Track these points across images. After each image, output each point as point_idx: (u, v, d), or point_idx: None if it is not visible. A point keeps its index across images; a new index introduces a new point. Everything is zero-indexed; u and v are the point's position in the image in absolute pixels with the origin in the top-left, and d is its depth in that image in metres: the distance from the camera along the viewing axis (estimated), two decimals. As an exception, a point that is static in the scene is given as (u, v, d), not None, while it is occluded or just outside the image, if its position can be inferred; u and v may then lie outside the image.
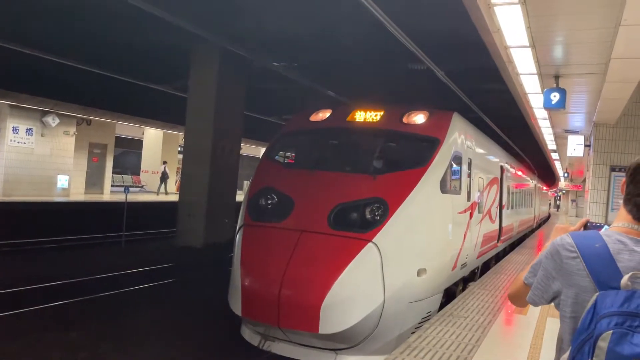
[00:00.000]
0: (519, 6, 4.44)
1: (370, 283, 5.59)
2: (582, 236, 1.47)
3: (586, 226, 1.62)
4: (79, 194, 21.24)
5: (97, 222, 17.12)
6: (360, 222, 5.95)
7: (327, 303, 5.39)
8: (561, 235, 1.62)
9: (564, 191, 51.05)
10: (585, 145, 11.57)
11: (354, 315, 5.47)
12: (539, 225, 26.96)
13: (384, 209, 5.94)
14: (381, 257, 5.65)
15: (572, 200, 44.99)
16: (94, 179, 22.92)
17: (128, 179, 29.08)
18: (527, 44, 5.54)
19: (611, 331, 1.24)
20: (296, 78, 15.64)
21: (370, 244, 5.66)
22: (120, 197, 19.19)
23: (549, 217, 38.70)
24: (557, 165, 26.69)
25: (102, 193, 23.15)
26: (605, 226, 1.55)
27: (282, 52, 14.57)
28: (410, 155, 7.01)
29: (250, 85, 16.90)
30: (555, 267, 1.47)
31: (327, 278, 5.49)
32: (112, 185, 24.72)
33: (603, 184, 9.87)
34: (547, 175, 38.11)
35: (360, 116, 7.35)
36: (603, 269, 1.37)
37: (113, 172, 25.24)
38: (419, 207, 6.20)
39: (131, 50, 15.35)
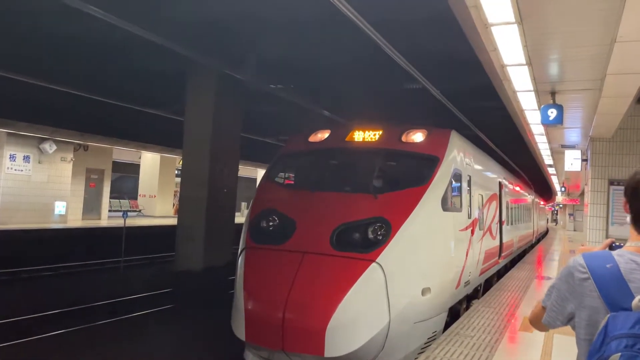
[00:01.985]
0: (515, 25, 4.51)
1: (375, 304, 5.53)
2: (594, 257, 1.46)
3: (611, 247, 1.60)
4: (76, 220, 21.13)
5: (95, 247, 17.02)
6: (363, 242, 5.92)
7: (332, 325, 5.33)
8: None
9: (561, 205, 51.16)
10: (583, 160, 11.63)
11: (359, 337, 5.40)
12: (538, 240, 26.91)
13: (387, 229, 5.92)
14: (385, 277, 5.61)
15: (570, 214, 45.10)
16: (91, 205, 22.83)
17: (125, 203, 28.99)
18: (524, 62, 5.61)
19: (619, 354, 1.23)
20: (292, 99, 15.74)
21: (374, 264, 5.62)
22: (118, 222, 19.09)
23: (547, 231, 38.66)
24: (554, 180, 26.77)
25: (99, 218, 23.04)
26: (611, 252, 1.53)
27: (278, 74, 14.69)
28: (410, 174, 7.02)
29: (247, 107, 16.98)
30: (569, 288, 1.48)
31: (332, 300, 5.44)
32: (109, 210, 24.63)
33: (602, 198, 9.89)
34: (544, 189, 38.21)
35: (359, 136, 7.37)
36: (614, 290, 1.36)
37: (110, 197, 25.17)
38: (421, 225, 6.18)
39: (128, 75, 15.46)
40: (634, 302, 1.30)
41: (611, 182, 9.89)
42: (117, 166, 31.22)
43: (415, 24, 9.66)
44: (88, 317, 9.60)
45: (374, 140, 7.25)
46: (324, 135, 7.66)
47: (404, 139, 7.14)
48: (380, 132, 7.30)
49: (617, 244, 1.62)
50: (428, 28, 9.68)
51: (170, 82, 15.91)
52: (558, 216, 59.22)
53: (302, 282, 5.65)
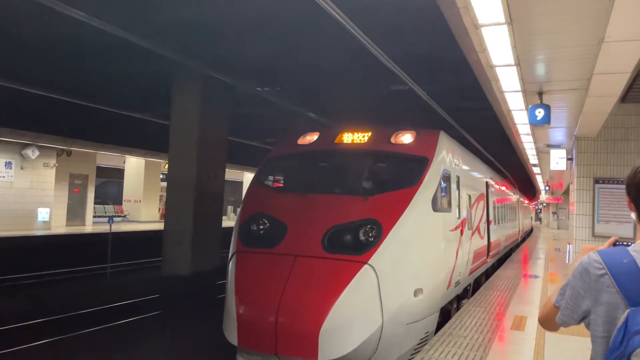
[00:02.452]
0: (505, 26, 4.53)
1: (368, 306, 5.52)
2: (609, 253, 1.45)
3: (615, 245, 1.60)
4: (60, 227, 20.82)
5: (80, 254, 16.76)
6: (354, 244, 5.90)
7: (325, 328, 5.29)
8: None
9: (544, 204, 51.78)
10: (568, 159, 11.75)
11: (353, 339, 5.37)
12: (524, 239, 27.19)
13: (378, 230, 5.91)
14: (378, 279, 5.59)
15: (553, 213, 45.67)
16: (75, 211, 22.52)
17: (110, 209, 28.64)
18: (513, 62, 5.64)
19: None
20: (279, 102, 15.71)
21: (366, 266, 5.60)
22: (103, 228, 18.85)
23: (532, 230, 39.10)
24: (538, 179, 27.08)
25: (84, 224, 22.73)
26: (632, 244, 1.53)
27: (264, 77, 14.64)
28: (400, 175, 7.03)
29: (233, 110, 16.90)
30: (584, 285, 1.45)
31: (325, 303, 5.41)
32: (94, 216, 24.32)
33: (588, 196, 10.00)
34: (528, 188, 38.66)
35: (348, 138, 7.36)
36: (633, 285, 1.35)
37: (95, 203, 24.85)
38: (412, 226, 6.18)
39: (111, 79, 15.29)
40: None
41: (596, 181, 10.00)
42: (101, 171, 30.87)
43: (403, 26, 9.70)
44: (73, 325, 9.42)
45: (363, 142, 7.24)
46: (312, 137, 7.63)
47: (393, 140, 7.14)
48: (369, 134, 7.29)
49: (621, 242, 1.62)
50: (416, 30, 9.72)
51: (155, 85, 15.78)
52: (542, 215, 59.92)
53: (295, 285, 5.61)
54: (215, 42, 11.90)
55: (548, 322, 1.66)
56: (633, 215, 1.57)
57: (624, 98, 8.71)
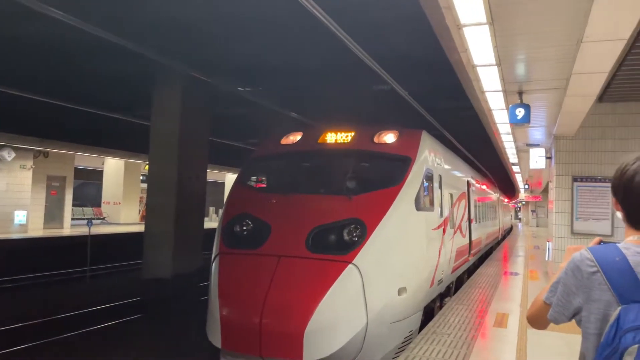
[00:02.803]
0: (487, 26, 4.57)
1: (352, 305, 5.51)
2: (601, 250, 1.46)
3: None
4: (37, 230, 20.41)
5: (59, 257, 16.46)
6: (338, 244, 5.89)
7: (310, 329, 5.27)
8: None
9: (524, 202, 52.56)
10: (547, 158, 11.93)
11: (337, 339, 5.36)
12: (504, 237, 27.55)
13: (362, 230, 5.91)
14: (362, 279, 5.59)
15: (532, 211, 46.39)
16: (53, 213, 22.10)
17: (89, 211, 28.16)
18: (494, 62, 5.70)
19: (637, 345, 1.23)
20: (261, 102, 15.63)
21: (350, 265, 5.60)
22: (81, 231, 18.53)
23: (511, 228, 39.65)
24: (518, 178, 27.46)
25: (62, 227, 22.31)
26: (617, 244, 1.54)
27: (246, 77, 14.55)
28: (384, 175, 7.04)
29: (215, 110, 16.78)
30: (576, 283, 1.46)
31: (309, 303, 5.39)
32: (72, 219, 23.89)
33: (567, 194, 10.17)
34: (508, 187, 39.18)
35: (331, 138, 7.35)
36: (624, 283, 1.36)
37: (73, 205, 24.42)
38: (396, 225, 6.20)
39: (90, 79, 15.03)
40: None
41: (575, 179, 10.18)
42: (80, 173, 30.37)
43: (385, 26, 9.73)
44: (51, 330, 9.23)
45: (346, 141, 7.24)
46: (296, 137, 7.61)
47: (376, 140, 7.16)
48: (353, 134, 7.30)
49: (605, 242, 1.63)
50: (399, 30, 9.76)
51: (135, 85, 15.56)
52: (521, 213, 60.79)
53: (279, 286, 5.58)
54: (196, 41, 11.78)
55: (537, 319, 1.67)
56: (619, 214, 1.58)
57: (601, 98, 8.89)
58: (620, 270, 1.38)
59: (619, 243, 1.50)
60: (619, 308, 1.33)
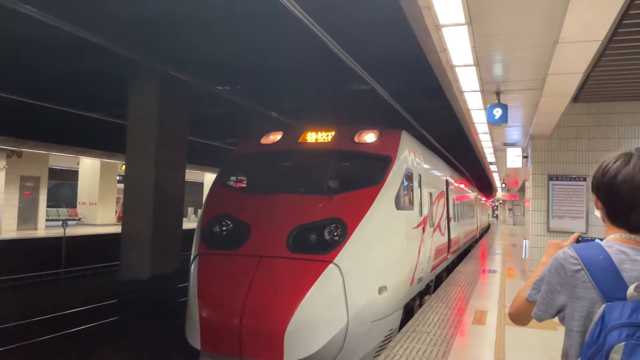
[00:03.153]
0: (465, 27, 4.62)
1: (333, 305, 5.51)
2: (584, 248, 1.47)
3: (578, 241, 1.63)
4: (10, 231, 19.94)
5: (32, 259, 16.08)
6: (319, 243, 5.88)
7: (291, 329, 5.26)
8: (555, 250, 1.63)
9: (501, 201, 53.36)
10: (523, 157, 12.12)
11: (318, 339, 5.36)
12: (482, 235, 27.91)
13: (343, 229, 5.91)
14: (343, 278, 5.59)
15: (509, 209, 47.14)
16: (27, 214, 21.60)
17: (64, 212, 27.62)
18: (472, 62, 5.76)
19: (623, 343, 1.24)
20: (241, 101, 15.53)
21: (331, 265, 5.60)
22: (56, 232, 18.16)
23: (489, 226, 40.20)
24: (495, 177, 27.85)
25: (36, 229, 21.83)
26: (597, 240, 1.56)
27: (225, 76, 14.44)
28: (364, 174, 7.06)
29: (193, 110, 16.61)
30: (560, 281, 1.47)
31: (290, 303, 5.37)
32: (47, 220, 23.40)
33: (543, 193, 10.34)
34: (485, 186, 39.73)
35: (312, 137, 7.35)
36: (608, 280, 1.37)
37: (47, 206, 23.91)
38: (376, 224, 6.22)
39: (64, 77, 14.74)
40: (629, 292, 1.32)
41: (550, 178, 10.35)
42: (54, 173, 29.76)
43: (365, 25, 9.75)
44: (22, 334, 9.01)
45: (327, 141, 7.25)
46: (276, 137, 7.58)
47: (356, 139, 7.18)
48: (333, 133, 7.31)
49: (584, 237, 1.65)
50: (378, 29, 9.79)
51: (111, 83, 15.30)
52: (498, 211, 61.69)
53: (259, 286, 5.55)
54: (173, 39, 11.64)
55: (519, 316, 1.67)
56: (598, 213, 1.60)
57: (576, 98, 9.05)
58: (604, 268, 1.39)
59: (601, 240, 1.51)
60: (603, 306, 1.34)
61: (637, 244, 1.45)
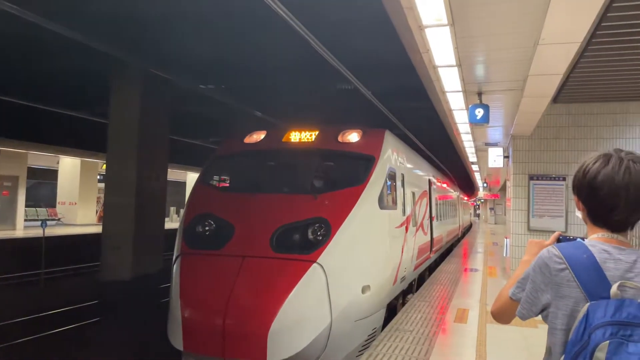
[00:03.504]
0: (448, 27, 4.65)
1: (317, 304, 5.51)
2: (569, 247, 1.49)
3: (559, 239, 1.64)
4: (-13, 232, 19.53)
5: (10, 260, 15.76)
6: (303, 243, 5.88)
7: (274, 329, 5.25)
8: (536, 248, 1.66)
9: (482, 200, 53.95)
10: (504, 157, 12.26)
11: (302, 338, 5.36)
12: (464, 234, 28.18)
13: (326, 229, 5.92)
14: (326, 277, 5.60)
15: (491, 209, 47.70)
16: (4, 214, 21.23)
17: (43, 211, 27.16)
18: (454, 63, 5.81)
19: (608, 341, 1.26)
20: (224, 100, 15.45)
21: (315, 264, 5.60)
22: (35, 232, 17.84)
23: (471, 225, 40.61)
24: (477, 176, 28.13)
25: (14, 229, 21.44)
26: (578, 239, 1.58)
27: (209, 74, 14.34)
28: (348, 174, 7.08)
29: (176, 109, 16.46)
30: (544, 279, 1.48)
31: (273, 303, 5.36)
32: (25, 220, 23.00)
33: (523, 192, 10.47)
34: (467, 185, 40.12)
35: (295, 137, 7.34)
36: (592, 279, 1.39)
37: (26, 206, 23.50)
38: (360, 224, 6.24)
39: (45, 75, 14.49)
40: (613, 290, 1.34)
41: (531, 177, 10.49)
42: (33, 172, 29.26)
43: (348, 25, 9.77)
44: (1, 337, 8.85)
45: (310, 140, 7.24)
46: (259, 136, 7.56)
47: (340, 139, 7.19)
48: (317, 133, 7.31)
49: (565, 235, 1.66)
50: (361, 29, 9.82)
51: (92, 82, 15.09)
52: (480, 210, 62.36)
53: (242, 286, 5.53)
54: (156, 37, 11.52)
55: (502, 314, 1.68)
56: (579, 214, 1.62)
57: (556, 99, 9.19)
58: (588, 267, 1.41)
59: (582, 239, 1.53)
60: (587, 304, 1.35)
61: (619, 242, 1.47)
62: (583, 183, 1.52)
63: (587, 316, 1.32)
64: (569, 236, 1.63)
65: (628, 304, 1.31)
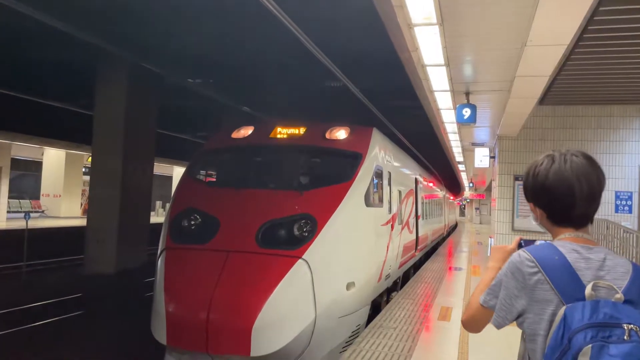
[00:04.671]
0: (437, 27, 4.68)
1: (301, 300, 5.51)
2: (539, 249, 1.45)
3: (520, 245, 1.63)
4: (-32, 223, 19.24)
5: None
6: (289, 239, 5.87)
7: (258, 324, 5.23)
8: (500, 254, 1.65)
9: (468, 200, 54.37)
10: (491, 157, 12.38)
11: (286, 334, 5.35)
12: (449, 233, 28.37)
13: (312, 225, 5.91)
14: (311, 274, 5.60)
15: (476, 208, 48.10)
16: (-14, 206, 20.90)
17: (27, 204, 26.80)
18: (443, 62, 5.84)
19: (590, 345, 1.24)
20: (212, 94, 15.36)
21: (300, 260, 5.59)
22: (18, 224, 17.60)
23: (456, 225, 40.90)
24: (463, 176, 28.34)
25: (-4, 220, 21.15)
26: (539, 241, 1.56)
27: (196, 69, 14.24)
28: (335, 171, 7.08)
29: (163, 102, 16.33)
30: (517, 285, 1.44)
31: (258, 298, 5.35)
32: (8, 212, 22.68)
33: (508, 193, 10.60)
34: (454, 185, 40.37)
35: (283, 133, 7.32)
36: (566, 281, 1.37)
37: (9, 197, 23.18)
38: (345, 221, 6.25)
39: (30, 65, 14.28)
40: (587, 292, 1.33)
41: (516, 178, 10.61)
42: (17, 164, 28.85)
43: (338, 22, 9.77)
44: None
45: (298, 137, 7.23)
46: (247, 131, 7.52)
47: (327, 136, 7.18)
48: (304, 129, 7.30)
49: (525, 239, 1.65)
50: (351, 26, 9.82)
51: (78, 73, 14.90)
52: (466, 210, 62.83)
53: (227, 281, 5.50)
54: (144, 29, 11.41)
55: (474, 323, 1.63)
56: (534, 221, 1.59)
57: (542, 100, 9.29)
58: (560, 269, 1.38)
59: (552, 241, 1.50)
60: (564, 308, 1.32)
61: (586, 241, 1.46)
62: (536, 187, 1.51)
63: (564, 320, 1.30)
64: (531, 240, 1.62)
65: (603, 304, 1.29)
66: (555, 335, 1.31)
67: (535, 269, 1.41)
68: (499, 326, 1.51)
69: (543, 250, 1.44)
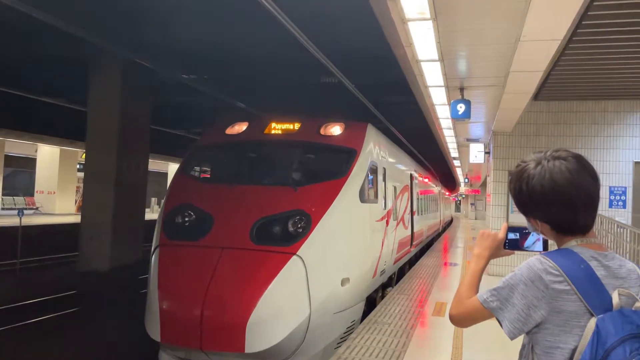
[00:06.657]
0: (431, 22, 4.66)
1: (296, 297, 5.51)
2: (562, 257, 1.36)
3: (508, 230, 1.58)
4: (-38, 220, 19.09)
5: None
6: (283, 235, 5.86)
7: (253, 321, 5.23)
8: (488, 241, 1.59)
9: (463, 195, 54.49)
10: (485, 153, 12.40)
11: (281, 330, 5.35)
12: (444, 229, 28.44)
13: (307, 221, 5.91)
14: (306, 270, 5.60)
15: (472, 204, 48.20)
16: (-21, 203, 20.77)
17: (20, 200, 26.66)
18: (437, 57, 5.83)
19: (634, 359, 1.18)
20: (206, 90, 15.29)
21: (294, 257, 5.59)
22: (12, 221, 17.51)
23: (452, 220, 40.99)
24: (458, 172, 28.39)
25: (-10, 217, 21.00)
26: (525, 229, 1.51)
27: (191, 65, 14.17)
28: (329, 167, 7.07)
29: (157, 98, 16.26)
30: (538, 294, 1.34)
31: (252, 295, 5.34)
32: (2, 209, 22.57)
33: (503, 188, 10.61)
34: (449, 181, 40.43)
35: (277, 128, 7.30)
36: (594, 291, 1.30)
37: (3, 194, 23.07)
38: (340, 217, 6.24)
39: (23, 61, 14.18)
40: (615, 301, 1.27)
41: (511, 173, 10.64)
42: (10, 160, 28.70)
43: (332, 17, 9.73)
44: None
45: (292, 132, 7.21)
46: (241, 127, 7.49)
47: (322, 131, 7.17)
48: (299, 125, 7.28)
49: (513, 226, 1.60)
50: (345, 21, 9.79)
51: (72, 69, 14.81)
52: (461, 206, 62.97)
53: (221, 278, 5.49)
54: (138, 25, 11.34)
55: (467, 319, 1.54)
56: (540, 236, 1.53)
57: (537, 96, 9.30)
58: (587, 278, 1.31)
59: (573, 248, 1.39)
60: (594, 319, 1.26)
61: (599, 247, 1.39)
62: (535, 202, 1.41)
63: (598, 332, 1.23)
64: (518, 226, 1.57)
65: (629, 313, 1.24)
66: (590, 349, 1.23)
67: (561, 278, 1.32)
68: (512, 336, 1.41)
69: (567, 257, 1.35)
